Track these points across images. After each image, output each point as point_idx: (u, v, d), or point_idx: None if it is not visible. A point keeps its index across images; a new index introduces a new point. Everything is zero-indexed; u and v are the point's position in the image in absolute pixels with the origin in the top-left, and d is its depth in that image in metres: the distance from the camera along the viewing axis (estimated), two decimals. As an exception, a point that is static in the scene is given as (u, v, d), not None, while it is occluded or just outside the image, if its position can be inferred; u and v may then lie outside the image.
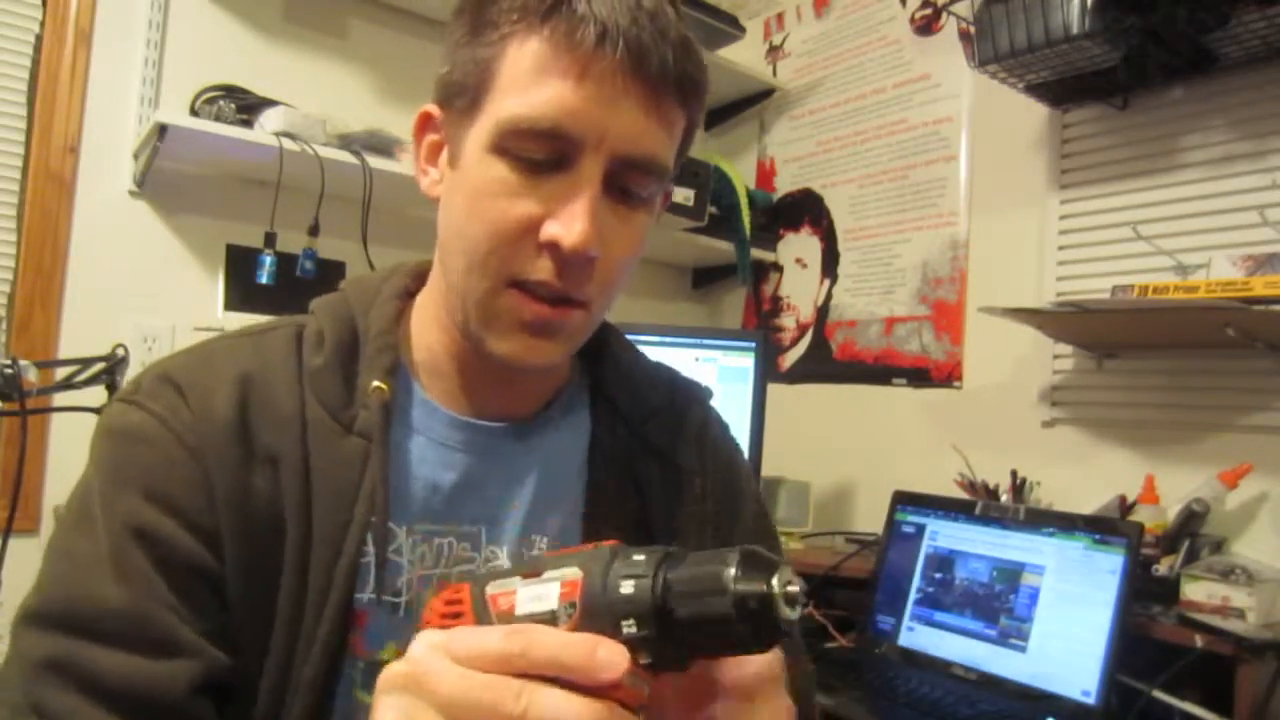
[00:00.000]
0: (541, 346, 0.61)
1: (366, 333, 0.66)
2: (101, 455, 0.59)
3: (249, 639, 0.57)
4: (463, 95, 0.60)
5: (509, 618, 0.43)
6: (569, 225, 0.57)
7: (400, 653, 0.57)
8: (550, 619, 0.41)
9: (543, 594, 0.42)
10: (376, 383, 0.63)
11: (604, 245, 0.59)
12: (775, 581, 0.39)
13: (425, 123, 0.67)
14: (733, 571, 0.39)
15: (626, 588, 0.40)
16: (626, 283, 0.65)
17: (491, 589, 0.44)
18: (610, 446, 0.71)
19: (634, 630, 0.39)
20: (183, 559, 0.56)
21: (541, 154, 0.57)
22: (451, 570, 0.65)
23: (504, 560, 0.67)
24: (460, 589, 0.45)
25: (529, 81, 0.57)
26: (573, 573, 0.41)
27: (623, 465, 0.71)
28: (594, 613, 0.40)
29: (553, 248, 0.58)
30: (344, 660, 0.59)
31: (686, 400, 0.78)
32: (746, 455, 0.99)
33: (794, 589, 0.39)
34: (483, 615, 0.44)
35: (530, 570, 0.43)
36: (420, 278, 0.71)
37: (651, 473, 0.72)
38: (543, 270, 0.58)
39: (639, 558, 0.41)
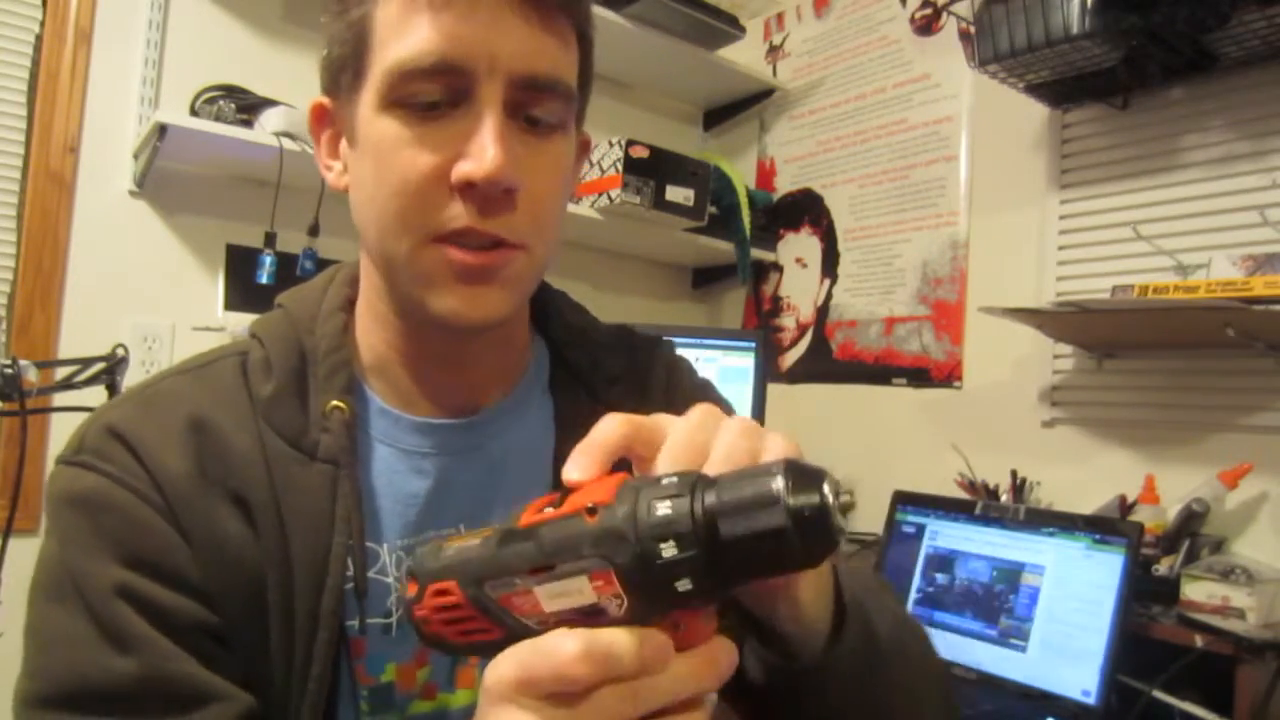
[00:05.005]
0: (482, 295, 0.57)
1: (315, 351, 0.62)
2: (66, 526, 0.55)
3: (248, 686, 0.55)
4: (345, 69, 0.58)
5: (543, 618, 0.39)
6: (479, 157, 0.53)
7: (399, 670, 0.55)
8: (593, 610, 0.38)
9: (568, 589, 0.38)
10: (335, 402, 0.60)
11: (522, 176, 0.55)
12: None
13: (320, 116, 0.63)
14: (781, 482, 0.36)
15: (663, 509, 0.36)
16: (561, 223, 0.62)
17: (496, 589, 0.40)
18: (574, 418, 0.67)
19: (675, 553, 0.36)
20: (180, 619, 0.53)
21: (435, 93, 0.54)
22: (416, 539, 0.62)
23: None
24: (447, 586, 0.41)
25: (402, 24, 0.54)
26: (596, 564, 0.37)
27: None
28: (644, 589, 0.37)
29: (467, 187, 0.54)
30: (341, 694, 0.58)
31: (648, 360, 0.74)
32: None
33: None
34: (501, 618, 0.40)
35: (539, 564, 0.38)
36: (356, 283, 0.67)
37: None
38: (460, 217, 0.55)
39: (668, 481, 0.38)
